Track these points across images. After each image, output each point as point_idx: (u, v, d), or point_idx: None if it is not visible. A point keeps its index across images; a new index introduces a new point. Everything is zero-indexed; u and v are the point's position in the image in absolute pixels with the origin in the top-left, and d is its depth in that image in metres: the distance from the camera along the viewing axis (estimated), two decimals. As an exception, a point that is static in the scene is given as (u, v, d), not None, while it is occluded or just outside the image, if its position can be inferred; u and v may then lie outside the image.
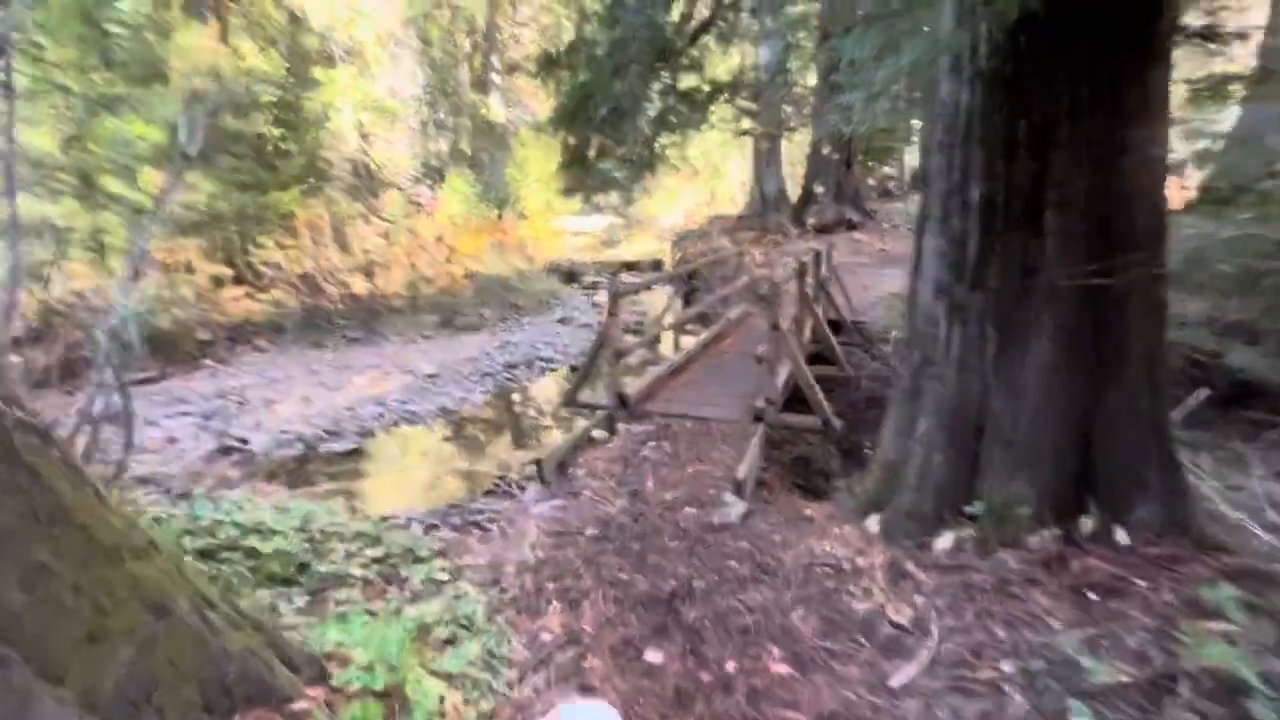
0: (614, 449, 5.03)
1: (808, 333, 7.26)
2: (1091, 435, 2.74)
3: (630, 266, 17.27)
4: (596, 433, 5.31)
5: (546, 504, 4.25)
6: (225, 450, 6.63)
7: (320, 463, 6.47)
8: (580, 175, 7.73)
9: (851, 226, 15.33)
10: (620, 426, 5.44)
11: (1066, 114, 2.67)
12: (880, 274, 12.59)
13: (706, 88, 14.17)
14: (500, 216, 18.89)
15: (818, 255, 7.85)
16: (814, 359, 6.97)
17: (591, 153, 6.87)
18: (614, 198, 26.58)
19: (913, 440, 3.16)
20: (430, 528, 4.03)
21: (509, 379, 9.15)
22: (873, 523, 3.24)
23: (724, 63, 16.13)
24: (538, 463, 4.65)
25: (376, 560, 3.14)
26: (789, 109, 19.31)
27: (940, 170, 3.07)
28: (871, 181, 23.69)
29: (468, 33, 29.66)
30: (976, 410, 2.94)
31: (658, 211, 24.56)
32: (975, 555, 2.78)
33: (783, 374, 5.51)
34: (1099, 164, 2.68)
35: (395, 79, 32.72)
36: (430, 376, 8.82)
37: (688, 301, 12.91)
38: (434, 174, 25.94)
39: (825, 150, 15.46)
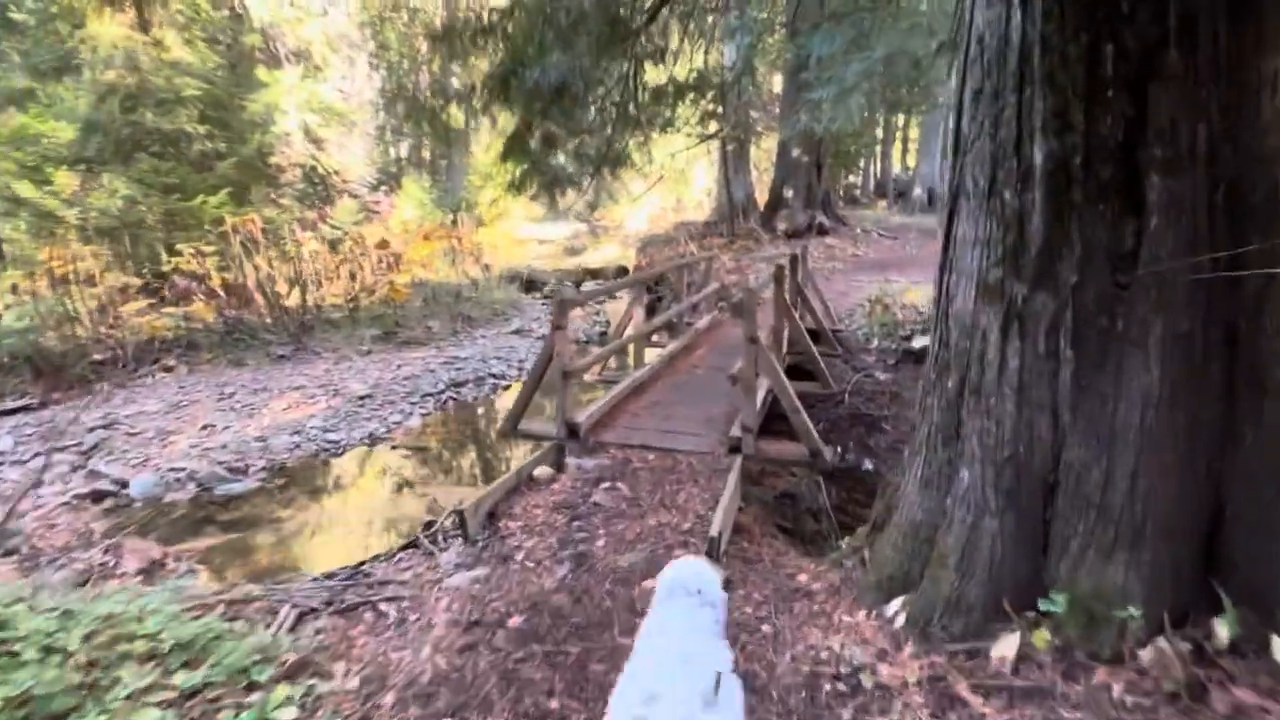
0: (560, 492, 4.07)
1: (785, 343, 6.42)
2: (1222, 496, 1.90)
3: (594, 274, 16.33)
4: (539, 471, 4.34)
5: (466, 574, 3.27)
6: (96, 496, 5.45)
7: (213, 508, 5.35)
8: (528, 169, 6.78)
9: (823, 231, 14.69)
10: (570, 462, 4.48)
11: (1176, 34, 1.84)
12: (856, 279, 11.93)
13: (671, 87, 13.35)
14: (456, 223, 17.81)
15: (794, 260, 7.05)
16: (793, 372, 6.14)
17: (535, 141, 5.92)
18: (578, 204, 25.65)
19: (951, 498, 2.28)
20: (308, 613, 3.01)
21: (454, 398, 8.11)
22: (897, 610, 2.35)
23: (689, 62, 15.43)
24: (461, 514, 3.66)
25: (187, 694, 2.12)
26: (756, 113, 18.69)
27: (980, 128, 2.21)
28: (840, 191, 23.30)
29: (426, 35, 28.59)
30: (1046, 459, 2.08)
31: (623, 218, 23.72)
32: (1057, 673, 1.90)
33: (761, 393, 4.63)
34: (1225, 106, 1.85)
35: (350, 83, 31.40)
36: (362, 398, 7.73)
37: (653, 310, 12.04)
38: (391, 180, 24.76)
39: (795, 153, 14.81)
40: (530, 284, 14.75)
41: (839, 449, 5.77)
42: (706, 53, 15.12)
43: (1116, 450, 1.94)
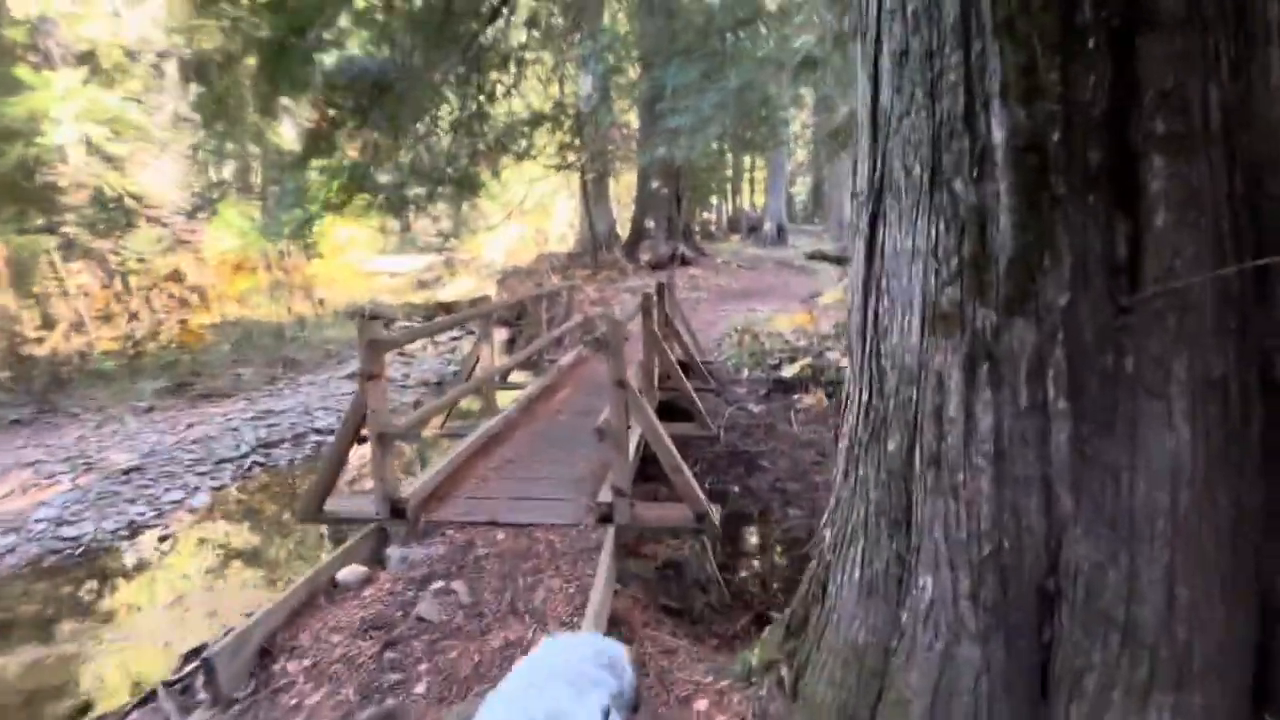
0: (373, 601, 2.96)
1: (657, 379, 5.75)
2: (1276, 605, 1.38)
3: (447, 308, 14.93)
4: (346, 572, 3.19)
5: (200, 773, 2.09)
6: None
7: None
8: (348, 183, 5.60)
9: (685, 262, 14.57)
10: (391, 553, 3.37)
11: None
12: (721, 309, 11.77)
13: (527, 114, 12.56)
14: (284, 254, 15.58)
15: (660, 289, 6.47)
16: (666, 411, 5.48)
17: (356, 150, 4.81)
18: (432, 234, 23.93)
19: (908, 612, 1.60)
20: None
21: (262, 463, 6.50)
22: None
23: (544, 90, 14.84)
24: (208, 663, 2.45)
25: None
26: (614, 145, 18.51)
27: (911, 100, 1.61)
28: (695, 226, 23.82)
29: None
30: (1041, 558, 1.45)
31: (481, 250, 22.43)
32: None
33: (632, 445, 3.86)
34: (1236, 62, 1.37)
35: (160, 96, 27.42)
36: (128, 472, 5.91)
37: (512, 346, 11.00)
38: (208, 206, 21.55)
39: (655, 185, 14.65)
40: (373, 320, 13.07)
41: (721, 503, 5.14)
42: (562, 81, 14.66)
43: (1139, 545, 1.35)
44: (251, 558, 4.81)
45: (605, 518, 3.43)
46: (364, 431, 3.50)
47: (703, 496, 3.41)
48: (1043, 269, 1.43)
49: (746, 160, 28.04)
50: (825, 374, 7.53)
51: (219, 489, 5.91)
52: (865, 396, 1.79)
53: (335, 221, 17.90)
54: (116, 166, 15.97)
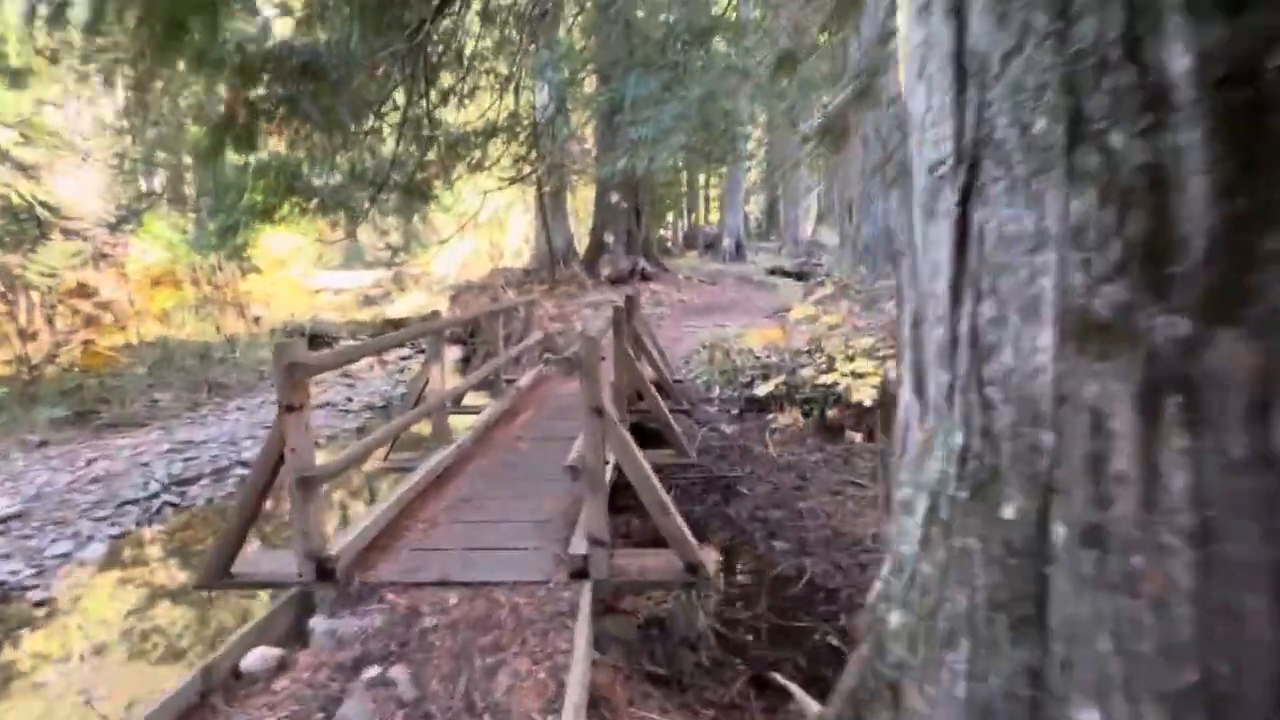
0: (286, 698, 2.29)
1: (627, 401, 5.22)
2: None
3: (396, 325, 14.05)
4: (255, 656, 2.50)
5: None
6: None
7: None
8: (274, 181, 4.89)
9: (646, 277, 14.15)
10: (317, 625, 2.70)
11: None
12: (686, 324, 11.34)
13: (481, 124, 11.96)
14: (217, 269, 14.42)
15: (629, 303, 5.95)
16: (637, 434, 4.94)
17: (265, 129, 4.13)
18: (380, 248, 22.86)
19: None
20: None
21: (175, 504, 5.62)
22: None
23: (497, 102, 14.26)
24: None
25: None
26: (571, 159, 18.05)
27: (1026, 30, 1.14)
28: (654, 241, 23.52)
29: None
30: (1275, 689, 0.97)
31: (433, 266, 21.52)
32: None
33: (606, 483, 3.30)
34: None
35: (82, 103, 25.73)
36: (5, 520, 4.96)
37: (466, 366, 10.28)
38: (134, 218, 20.05)
39: (614, 199, 14.21)
40: (315, 339, 12.09)
41: (700, 537, 4.60)
42: (517, 91, 14.14)
43: None
44: (151, 625, 3.98)
45: (579, 573, 2.85)
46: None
47: (694, 542, 2.87)
48: (1264, 254, 0.96)
49: (700, 178, 28.04)
50: (800, 392, 7.14)
51: (119, 536, 5.03)
52: (961, 439, 1.29)
53: (274, 234, 16.83)
54: (30, 175, 14.58)
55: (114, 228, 20.94)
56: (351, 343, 12.77)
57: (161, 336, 9.75)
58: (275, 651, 2.54)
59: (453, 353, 9.63)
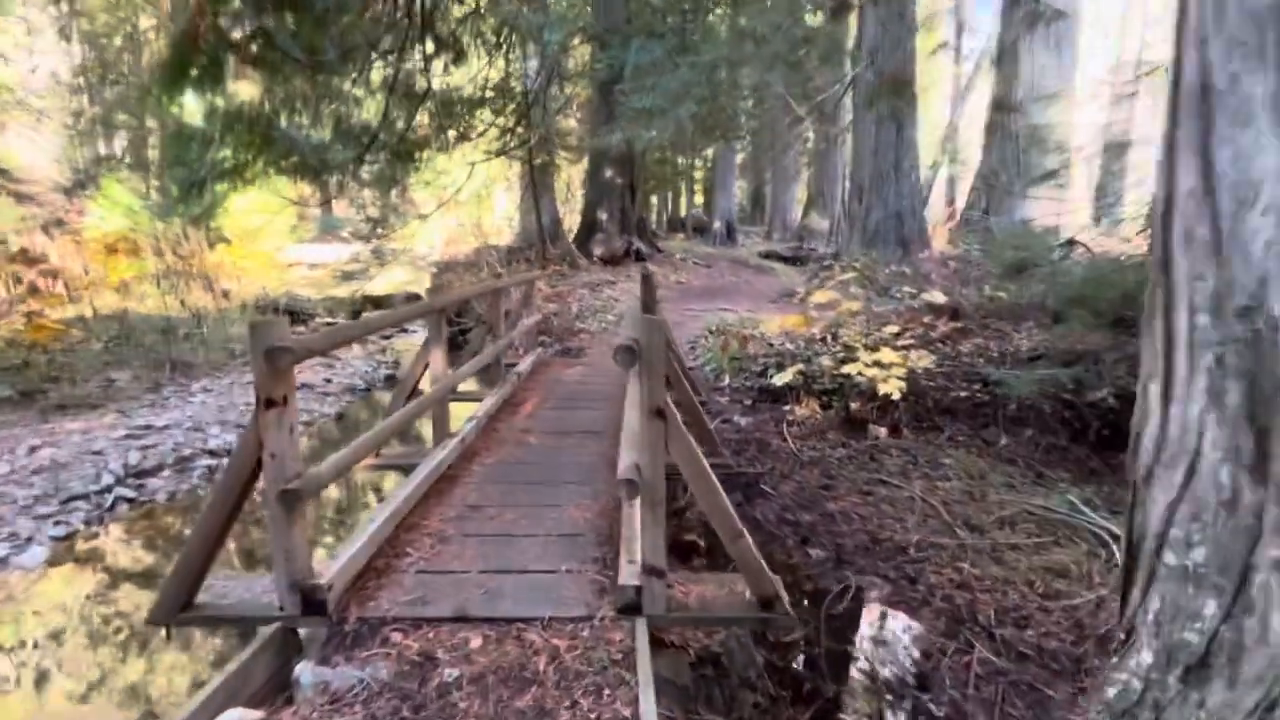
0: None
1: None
2: None
3: (377, 302, 13.23)
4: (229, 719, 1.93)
5: None
6: None
7: None
8: (249, 133, 4.17)
9: (641, 258, 13.52)
10: (303, 675, 2.12)
11: None
12: (688, 308, 10.78)
13: (468, 90, 11.15)
14: (183, 238, 13.37)
15: (647, 282, 5.37)
16: None
17: (235, 62, 3.42)
18: (359, 221, 21.77)
19: None
20: None
21: (131, 499, 4.92)
22: None
23: (485, 68, 13.38)
24: None
25: None
26: (562, 133, 17.22)
27: None
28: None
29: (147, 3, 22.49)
30: None
31: (414, 242, 20.52)
32: None
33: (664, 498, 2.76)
34: None
35: (37, 59, 24.02)
36: (-73, 520, 4.24)
37: (456, 347, 9.63)
38: (91, 182, 18.71)
39: (608, 174, 13.50)
40: (290, 316, 11.24)
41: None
42: (508, 57, 13.26)
43: None
44: (94, 666, 3.32)
45: (631, 607, 2.32)
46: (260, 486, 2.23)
47: (770, 573, 2.36)
48: None
49: (684, 160, 27.26)
50: (818, 382, 6.67)
51: (64, 538, 4.34)
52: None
53: (245, 200, 15.76)
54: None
55: (70, 192, 19.52)
56: (332, 321, 11.94)
57: (120, 309, 8.87)
58: (253, 716, 1.96)
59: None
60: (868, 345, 6.68)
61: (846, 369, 6.35)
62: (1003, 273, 7.06)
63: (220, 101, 3.85)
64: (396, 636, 2.25)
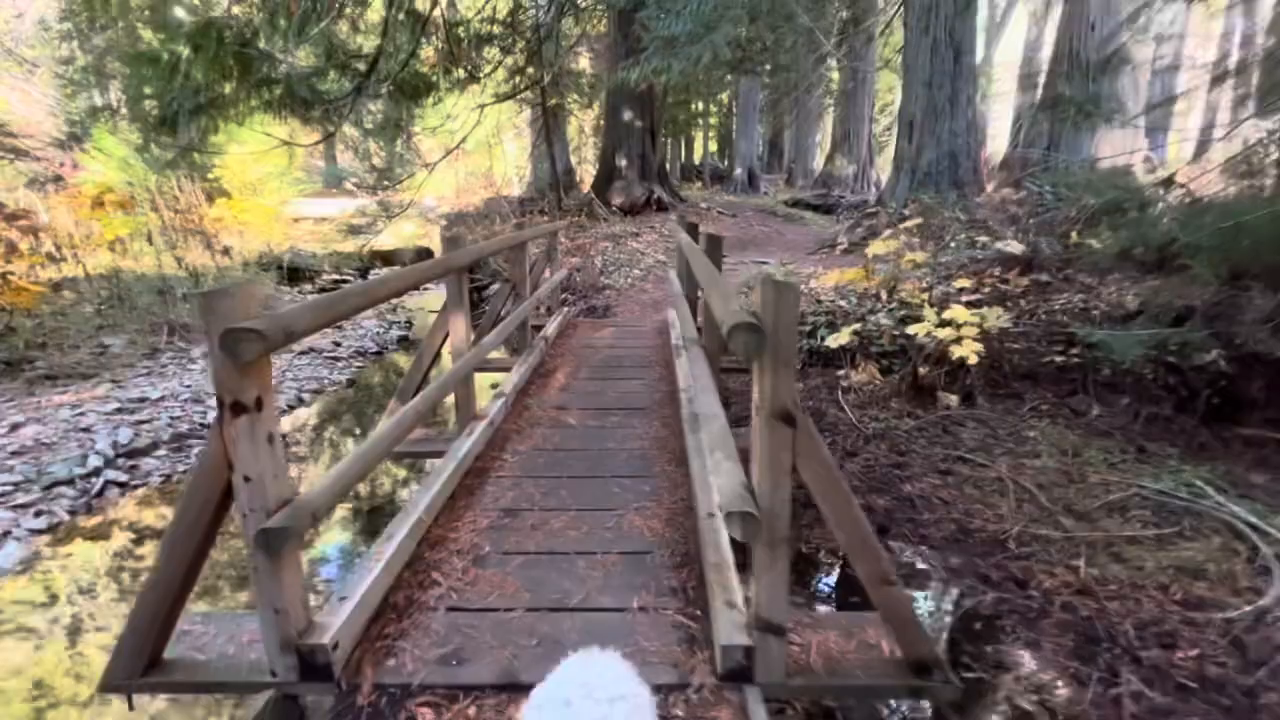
0: None
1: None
2: None
3: (386, 258, 12.50)
4: None
5: None
6: None
7: None
8: (218, 55, 3.40)
9: (662, 207, 12.59)
10: (303, 774, 1.56)
11: None
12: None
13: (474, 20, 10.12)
14: (179, 190, 12.58)
15: (693, 232, 4.61)
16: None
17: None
18: (363, 172, 20.82)
19: None
20: None
21: (122, 483, 4.38)
22: None
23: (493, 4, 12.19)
24: None
25: None
26: (573, 75, 15.99)
27: None
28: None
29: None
30: None
31: (422, 194, 19.57)
32: None
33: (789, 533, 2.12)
34: None
35: (16, 2, 22.86)
36: (-111, 512, 3.71)
37: (475, 307, 8.97)
38: (88, 135, 17.80)
39: (627, 117, 12.42)
40: (294, 273, 10.58)
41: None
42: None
43: None
44: (80, 682, 2.80)
45: (738, 673, 1.70)
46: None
47: (924, 629, 1.72)
48: None
49: (696, 105, 25.64)
50: (876, 343, 5.95)
51: (46, 530, 3.81)
52: None
53: (246, 158, 14.87)
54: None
55: (64, 146, 18.61)
56: (341, 280, 11.23)
57: (114, 269, 8.23)
58: None
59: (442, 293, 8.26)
60: (932, 302, 5.93)
61: (912, 329, 5.61)
62: (1085, 217, 6.21)
63: (182, 12, 3.06)
64: (427, 715, 1.66)
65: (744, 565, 2.25)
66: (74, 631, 2.95)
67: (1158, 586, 3.25)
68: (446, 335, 3.31)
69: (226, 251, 10.27)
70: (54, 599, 3.20)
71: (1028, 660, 2.89)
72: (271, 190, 18.04)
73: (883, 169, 24.31)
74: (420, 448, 3.29)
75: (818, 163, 26.23)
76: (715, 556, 2.08)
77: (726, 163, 26.44)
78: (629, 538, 2.44)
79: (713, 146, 30.79)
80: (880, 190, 14.98)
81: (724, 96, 26.44)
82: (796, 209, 14.68)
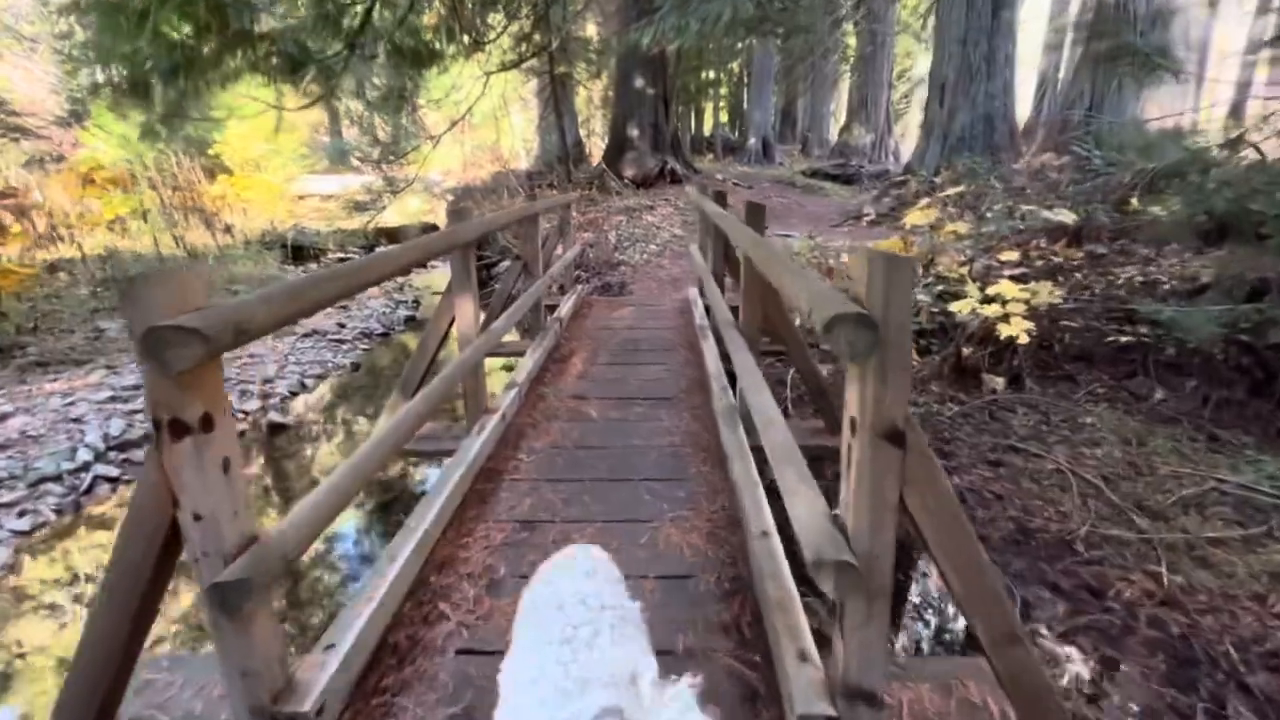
0: None
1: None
2: None
3: (391, 235, 12.11)
4: None
5: None
6: None
7: None
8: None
9: (676, 179, 12.04)
10: None
11: None
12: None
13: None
14: (179, 166, 12.18)
15: (721, 200, 4.18)
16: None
17: None
18: (367, 148, 20.31)
19: None
20: None
21: (113, 479, 4.08)
22: None
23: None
24: None
25: None
26: (581, 43, 15.29)
27: None
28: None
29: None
30: None
31: (428, 169, 19.04)
32: None
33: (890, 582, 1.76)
34: None
35: (16, -23, 22.26)
36: None
37: (484, 286, 8.57)
38: (88, 113, 17.40)
39: (638, 84, 11.80)
40: (298, 251, 10.21)
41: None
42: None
43: None
44: None
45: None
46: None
47: (1062, 706, 1.36)
48: None
49: (706, 75, 24.67)
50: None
51: (30, 531, 3.53)
52: None
53: (248, 134, 14.40)
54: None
55: (66, 124, 18.17)
56: (345, 256, 10.86)
57: (111, 249, 7.90)
58: None
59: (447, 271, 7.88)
60: (974, 276, 5.49)
61: (954, 306, 5.17)
62: (1142, 183, 5.69)
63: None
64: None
65: (805, 593, 1.90)
66: (61, 633, 2.65)
67: (1253, 596, 2.88)
68: (452, 320, 2.94)
69: (228, 229, 9.90)
70: (38, 608, 2.92)
71: (1119, 687, 2.52)
72: (276, 167, 17.60)
73: (900, 137, 23.41)
74: (426, 445, 2.95)
75: (832, 132, 25.31)
76: (776, 590, 1.72)
77: (738, 134, 25.59)
78: (666, 557, 2.09)
79: (723, 118, 29.86)
80: (900, 159, 14.26)
81: (735, 66, 25.47)
82: (815, 179, 14.07)
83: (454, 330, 3.06)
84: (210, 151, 13.17)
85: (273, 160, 18.05)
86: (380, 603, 1.74)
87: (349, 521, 3.55)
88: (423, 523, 2.10)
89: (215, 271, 7.82)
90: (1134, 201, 5.57)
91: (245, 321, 1.20)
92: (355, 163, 21.05)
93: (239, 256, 9.11)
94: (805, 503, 1.35)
